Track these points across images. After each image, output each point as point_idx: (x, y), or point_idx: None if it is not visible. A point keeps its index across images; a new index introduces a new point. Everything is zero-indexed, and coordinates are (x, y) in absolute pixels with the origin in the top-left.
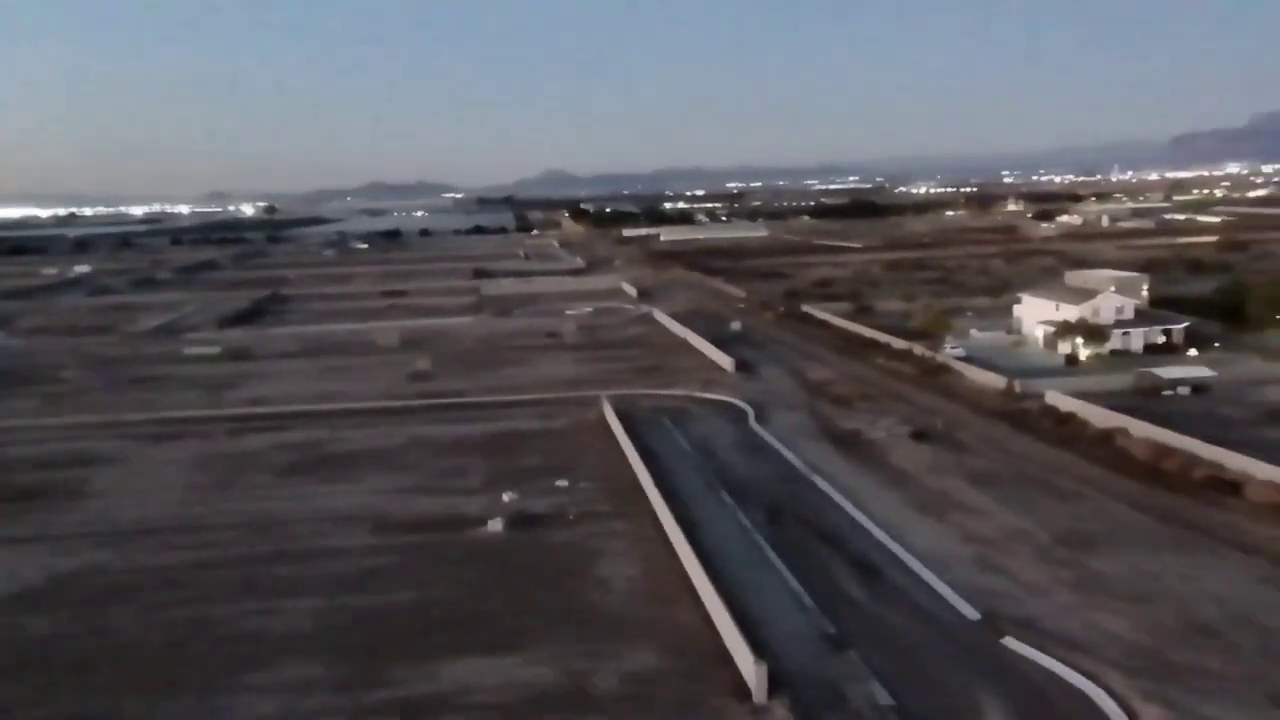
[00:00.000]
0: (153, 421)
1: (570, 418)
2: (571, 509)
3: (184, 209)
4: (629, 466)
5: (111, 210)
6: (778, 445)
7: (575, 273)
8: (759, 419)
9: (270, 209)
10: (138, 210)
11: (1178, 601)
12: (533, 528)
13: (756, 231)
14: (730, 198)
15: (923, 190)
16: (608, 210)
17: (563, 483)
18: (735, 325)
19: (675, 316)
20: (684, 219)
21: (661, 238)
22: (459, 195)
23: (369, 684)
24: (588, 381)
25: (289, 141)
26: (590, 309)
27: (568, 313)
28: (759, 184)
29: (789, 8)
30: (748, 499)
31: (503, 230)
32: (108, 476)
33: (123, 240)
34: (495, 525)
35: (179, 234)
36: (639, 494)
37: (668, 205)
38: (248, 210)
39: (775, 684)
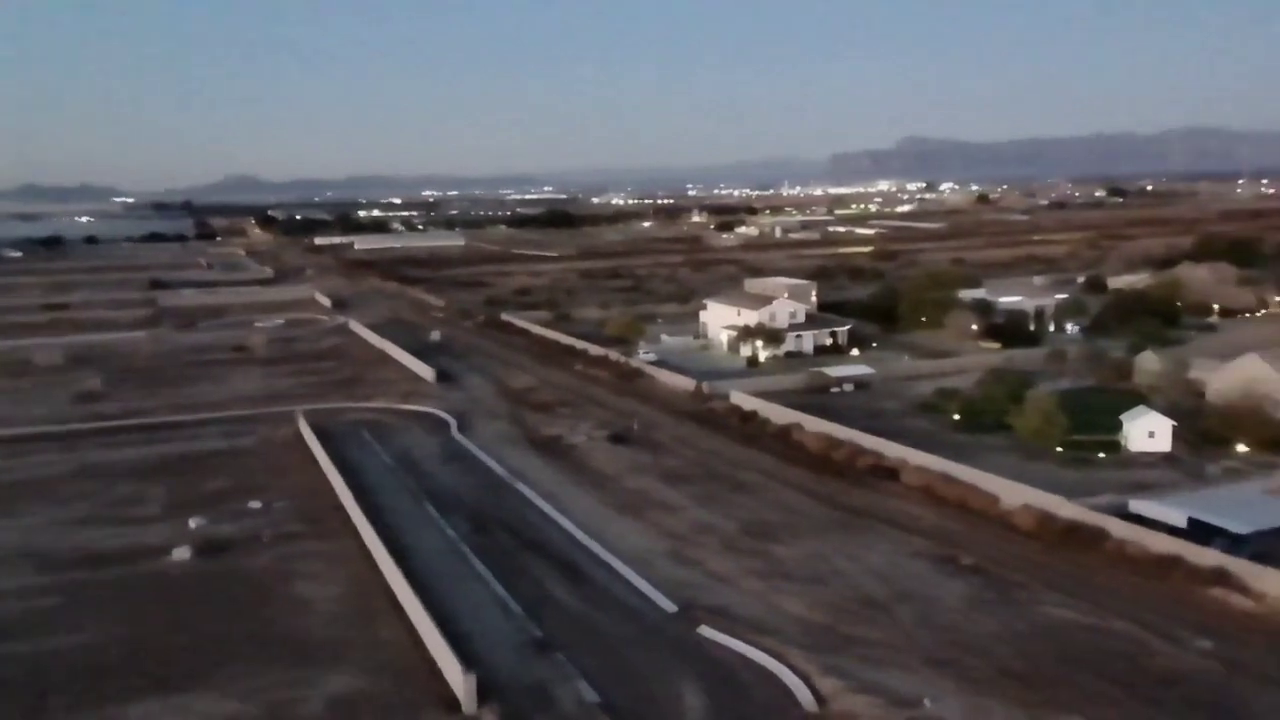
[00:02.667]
0: None
1: (262, 435)
2: (266, 531)
3: None
4: (328, 483)
5: None
6: (481, 454)
7: (264, 283)
8: (462, 428)
9: None
10: None
11: (847, 580)
12: (223, 554)
13: (454, 240)
14: (426, 206)
15: (615, 201)
16: (298, 217)
17: (256, 504)
18: (435, 335)
19: (373, 327)
20: (379, 227)
21: (356, 246)
22: (130, 200)
23: None
24: (281, 396)
25: None
26: (281, 320)
27: (257, 325)
28: (455, 193)
29: (472, 17)
30: (452, 509)
31: (182, 238)
32: None
33: None
34: (181, 553)
35: None
36: (340, 511)
37: (362, 213)
38: None
39: (484, 693)
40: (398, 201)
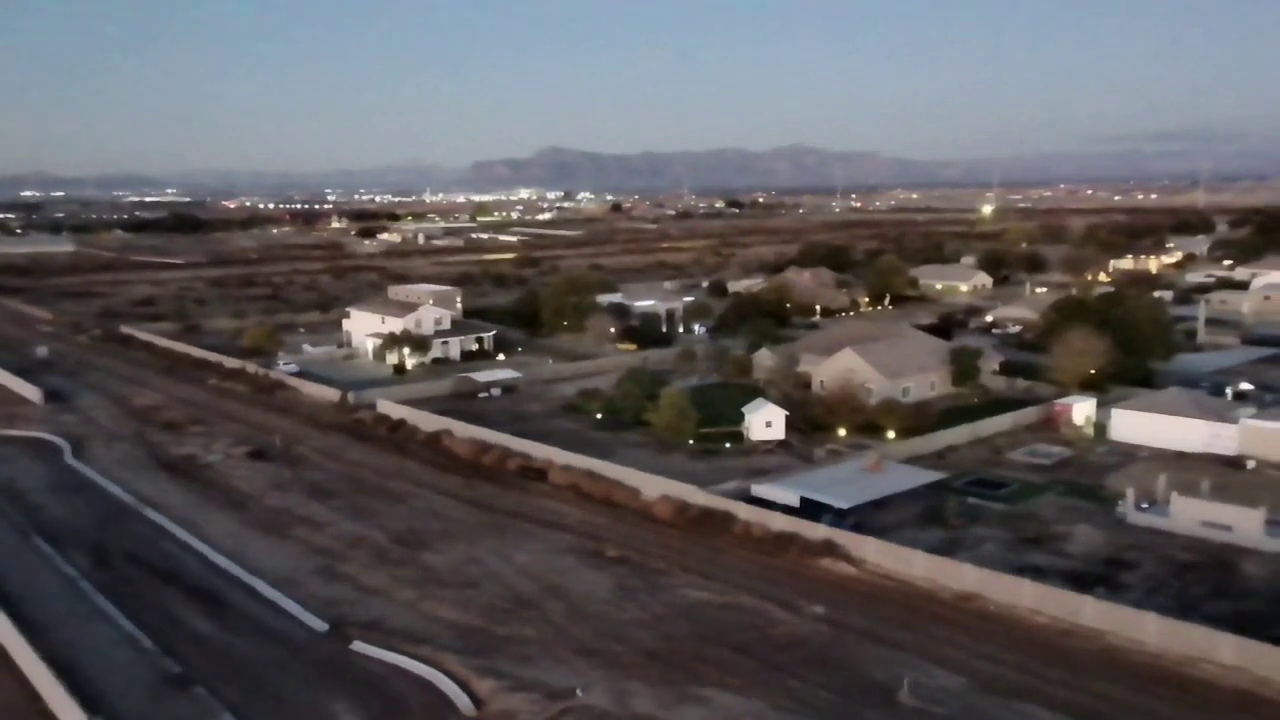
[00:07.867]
0: None
1: None
2: None
3: None
4: None
5: None
6: (101, 480)
7: None
8: (77, 453)
9: None
10: None
11: (500, 581)
12: None
13: (61, 246)
14: (27, 208)
15: (247, 205)
16: None
17: None
18: (42, 351)
19: None
20: None
21: None
22: None
23: None
24: None
25: None
26: None
27: None
28: (61, 194)
29: (75, 8)
30: (69, 544)
31: None
32: None
33: None
34: None
35: None
36: None
37: None
38: None
39: None
40: None
